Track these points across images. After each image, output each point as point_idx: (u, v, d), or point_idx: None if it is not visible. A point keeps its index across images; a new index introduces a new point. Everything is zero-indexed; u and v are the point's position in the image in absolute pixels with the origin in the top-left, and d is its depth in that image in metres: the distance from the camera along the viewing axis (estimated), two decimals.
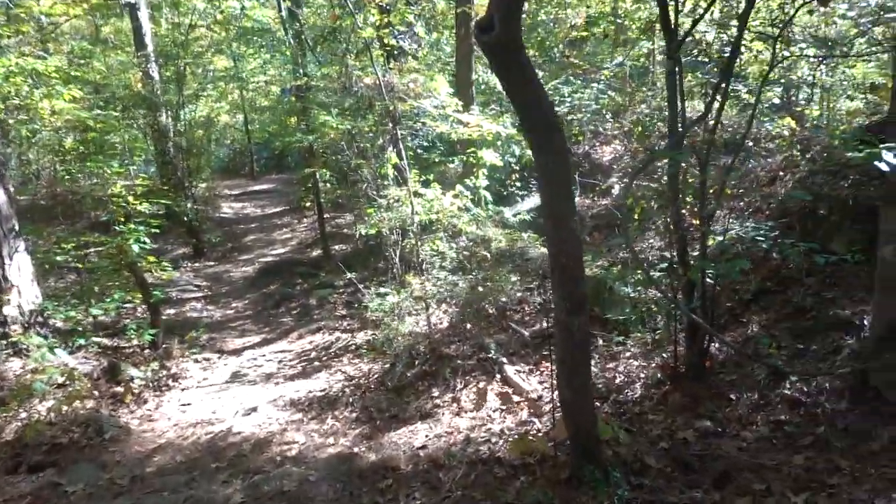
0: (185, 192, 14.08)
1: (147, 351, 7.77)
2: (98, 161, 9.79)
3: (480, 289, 6.76)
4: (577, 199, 10.07)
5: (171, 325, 9.20)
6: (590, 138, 11.65)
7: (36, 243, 9.38)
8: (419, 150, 10.62)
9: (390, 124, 8.73)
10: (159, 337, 7.79)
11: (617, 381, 5.38)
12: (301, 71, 11.62)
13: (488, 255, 7.63)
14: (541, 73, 12.54)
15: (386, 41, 9.07)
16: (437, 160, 10.69)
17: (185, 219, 13.86)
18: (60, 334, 7.33)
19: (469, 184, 8.29)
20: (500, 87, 10.86)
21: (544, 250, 7.81)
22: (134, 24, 14.92)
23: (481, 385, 5.66)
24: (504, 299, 7.11)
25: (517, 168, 10.92)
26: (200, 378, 7.20)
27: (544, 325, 6.64)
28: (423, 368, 6.13)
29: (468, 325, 6.75)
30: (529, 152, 9.65)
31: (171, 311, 10.21)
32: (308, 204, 14.66)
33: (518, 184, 10.89)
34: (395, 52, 10.43)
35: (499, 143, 10.05)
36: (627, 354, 5.74)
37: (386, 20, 8.70)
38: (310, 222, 15.48)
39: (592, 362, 5.69)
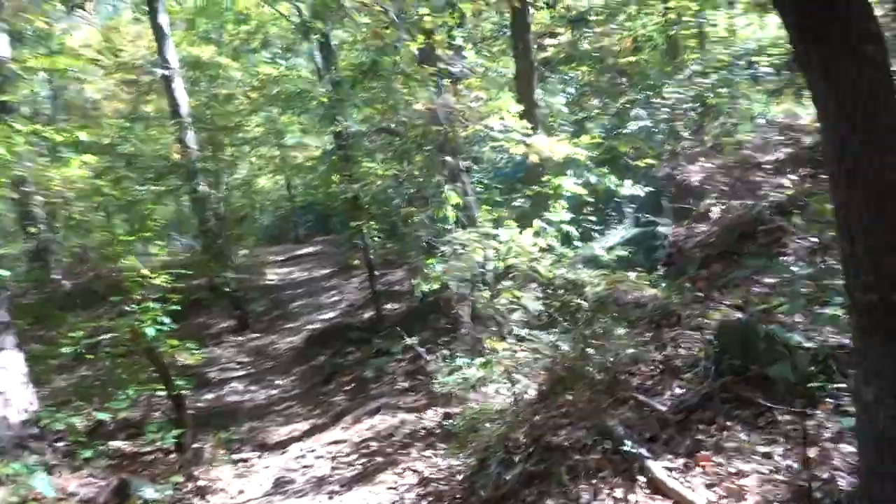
0: (226, 261, 12.67)
1: (173, 455, 6.09)
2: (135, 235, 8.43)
3: (590, 350, 4.90)
4: (668, 228, 8.20)
5: (207, 415, 7.56)
6: (667, 158, 9.83)
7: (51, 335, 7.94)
8: (484, 182, 8.92)
9: (447, 157, 7.08)
10: (186, 437, 6.09)
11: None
12: (340, 119, 10.14)
13: (584, 304, 5.80)
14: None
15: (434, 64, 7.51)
16: (505, 197, 8.96)
17: (227, 290, 12.40)
18: (60, 449, 5.70)
19: (549, 218, 6.53)
20: (564, 108, 9.21)
21: (653, 292, 5.93)
22: (168, 95, 13.84)
23: (619, 493, 3.77)
24: (611, 358, 5.23)
25: (592, 199, 9.12)
26: (235, 491, 5.46)
27: (676, 390, 4.75)
28: (526, 467, 4.26)
29: (569, 397, 4.87)
30: (606, 180, 7.89)
31: (210, 396, 8.59)
32: (356, 262, 13.05)
33: (592, 217, 9.07)
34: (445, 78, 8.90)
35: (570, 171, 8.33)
36: (829, 434, 3.79)
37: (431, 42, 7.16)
38: (359, 282, 13.88)
39: (779, 448, 3.81)
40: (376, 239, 11.35)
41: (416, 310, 10.48)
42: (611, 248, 7.34)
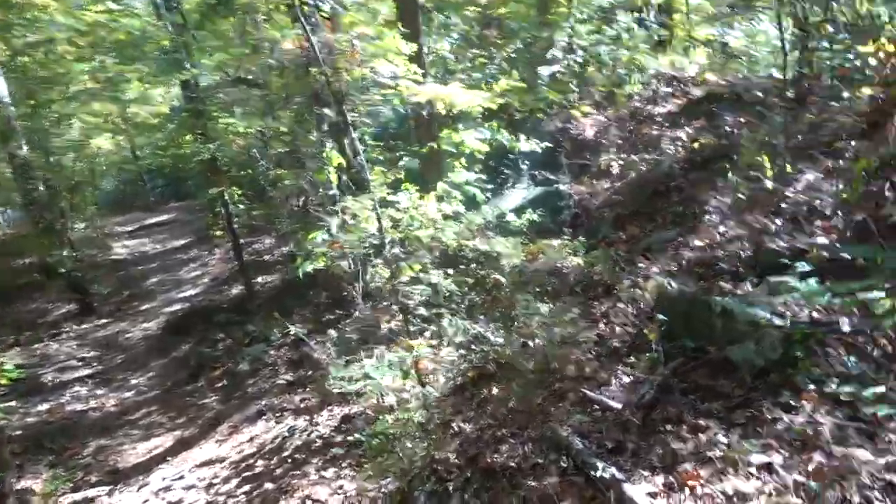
0: (60, 236, 10.59)
1: None
2: None
3: (518, 336, 3.99)
4: (568, 186, 7.49)
5: (39, 435, 5.98)
6: (556, 113, 9.11)
7: None
8: (364, 139, 7.69)
9: (326, 110, 5.84)
10: (5, 481, 4.57)
11: None
12: (187, 64, 8.40)
13: (502, 279, 4.90)
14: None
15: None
16: (388, 155, 7.79)
17: (63, 270, 10.38)
18: None
19: (451, 180, 5.52)
20: (449, 55, 8.12)
21: (575, 260, 5.14)
22: None
23: None
24: (542, 343, 4.37)
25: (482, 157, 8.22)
26: None
27: (623, 378, 4.01)
28: (465, 499, 3.33)
29: (499, 396, 3.97)
30: (499, 135, 6.98)
31: (44, 407, 6.91)
32: (219, 233, 11.42)
33: (484, 176, 8.19)
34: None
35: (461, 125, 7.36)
36: (829, 433, 3.14)
37: None
38: (222, 253, 12.27)
39: (777, 457, 3.13)
40: (240, 206, 9.84)
41: (291, 283, 9.20)
42: (516, 211, 6.48)
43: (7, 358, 8.54)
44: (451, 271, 4.97)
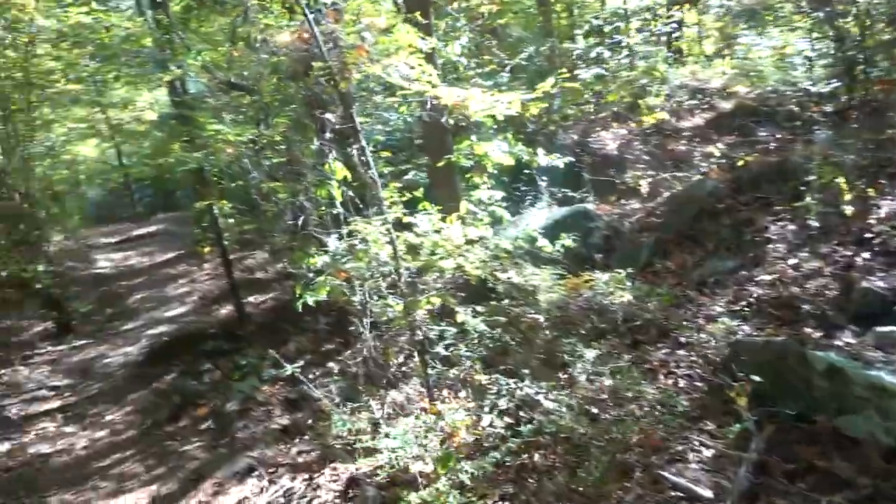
0: (35, 249, 9.64)
1: None
2: None
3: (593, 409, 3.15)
4: (592, 205, 6.69)
5: None
6: (572, 125, 8.34)
7: None
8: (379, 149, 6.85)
9: (327, 115, 5.00)
10: None
11: None
12: (171, 67, 7.53)
13: (540, 319, 4.07)
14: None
15: None
16: (391, 168, 6.93)
17: (38, 286, 9.42)
18: None
19: (477, 198, 4.69)
20: (463, 60, 7.30)
21: (625, 296, 4.30)
22: None
23: None
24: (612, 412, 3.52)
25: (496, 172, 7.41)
26: None
27: (703, 451, 3.19)
28: None
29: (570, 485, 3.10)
30: (517, 148, 6.17)
31: (4, 447, 5.98)
32: (207, 249, 10.51)
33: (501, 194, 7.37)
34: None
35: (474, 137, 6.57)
36: None
37: None
38: (212, 267, 11.36)
39: None
40: (230, 220, 8.96)
41: (287, 305, 8.31)
42: (543, 234, 5.65)
43: None
44: (479, 308, 4.14)
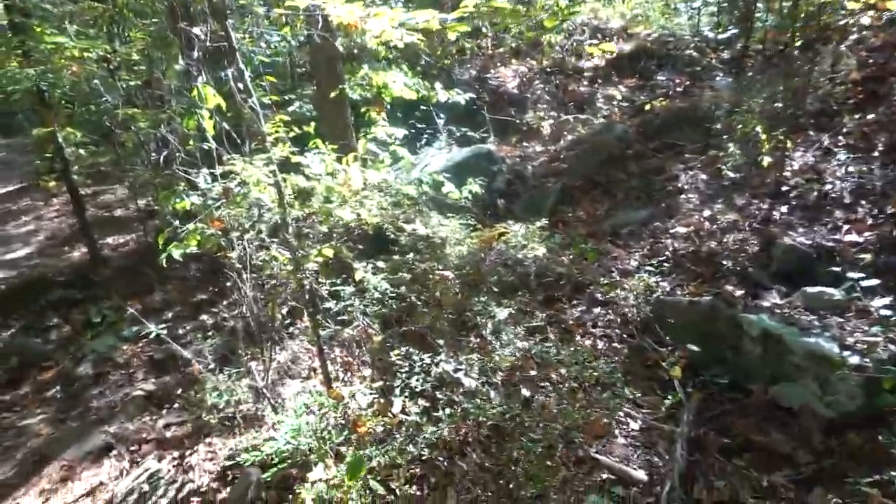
0: None
1: None
2: None
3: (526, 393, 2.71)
4: (493, 146, 6.23)
5: None
6: (469, 60, 7.75)
7: None
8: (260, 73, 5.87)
9: (197, 29, 4.11)
10: None
11: None
12: None
13: (450, 276, 3.57)
14: None
15: None
16: (272, 97, 6.01)
17: None
18: None
19: (372, 135, 4.04)
20: None
21: (538, 249, 3.89)
22: None
23: None
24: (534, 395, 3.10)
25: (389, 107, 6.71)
26: None
27: (631, 423, 2.90)
28: None
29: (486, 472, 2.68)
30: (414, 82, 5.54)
31: None
32: (52, 183, 9.07)
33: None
34: None
35: (366, 66, 5.87)
36: None
37: None
38: (62, 203, 9.87)
39: None
40: (80, 151, 7.67)
41: (151, 248, 7.30)
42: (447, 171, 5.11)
43: None
44: (380, 263, 3.57)
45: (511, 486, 2.24)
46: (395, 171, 4.21)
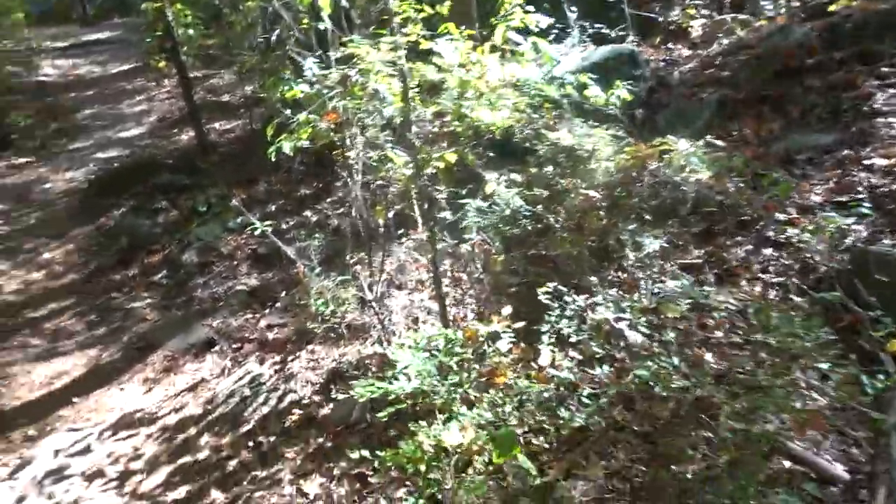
0: None
1: None
2: None
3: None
4: (633, 46, 5.37)
5: None
6: None
7: None
8: None
9: None
10: None
11: None
12: None
13: (595, 196, 2.98)
14: None
15: None
16: None
17: None
18: None
19: (509, 22, 3.37)
20: None
21: (700, 174, 3.20)
22: None
23: None
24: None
25: None
26: None
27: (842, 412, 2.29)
28: None
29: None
30: None
31: None
32: (163, 63, 8.88)
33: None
34: None
35: None
36: None
37: None
38: (173, 85, 9.76)
39: None
40: (190, 31, 7.34)
41: (257, 135, 7.04)
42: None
43: None
44: (514, 176, 3.03)
45: (680, 476, 1.76)
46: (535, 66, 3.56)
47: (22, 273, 5.15)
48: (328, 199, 5.39)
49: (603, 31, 5.63)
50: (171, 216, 5.52)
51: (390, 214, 4.82)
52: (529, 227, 2.93)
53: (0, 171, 7.48)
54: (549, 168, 3.05)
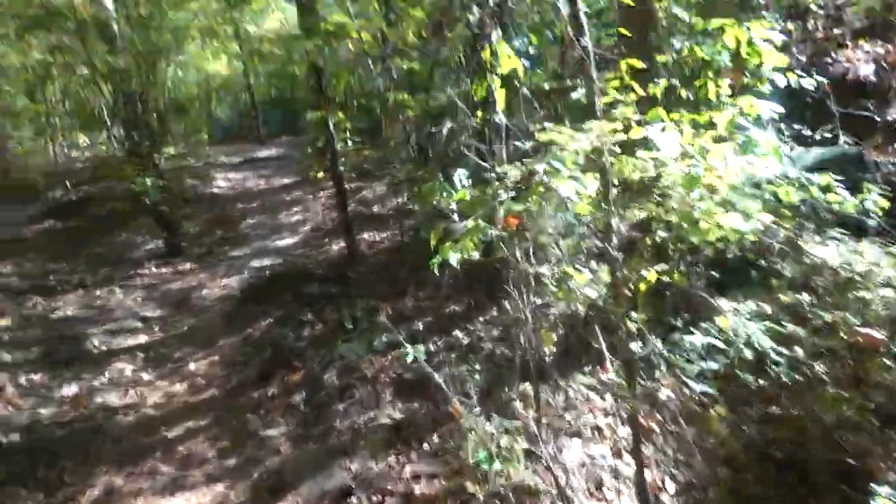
0: (146, 162, 8.51)
1: None
2: None
3: None
4: (862, 150, 4.41)
5: (39, 448, 3.86)
6: (801, 40, 5.91)
7: None
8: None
9: None
10: None
11: None
12: None
13: (879, 336, 2.08)
14: None
15: None
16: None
17: (147, 202, 8.35)
18: None
19: (738, 109, 2.65)
20: None
21: None
22: None
23: None
24: None
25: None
26: None
27: None
28: None
29: None
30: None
31: (71, 391, 4.81)
32: (321, 174, 9.06)
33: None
34: None
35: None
36: None
37: None
38: (328, 196, 9.96)
39: None
40: (348, 143, 7.36)
41: (407, 248, 6.71)
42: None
43: (63, 305, 6.67)
44: (749, 304, 2.19)
45: None
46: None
47: (166, 384, 4.90)
48: (480, 319, 4.76)
49: (803, 131, 4.75)
50: (317, 330, 5.12)
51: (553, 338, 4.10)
52: (776, 377, 2.04)
53: (168, 276, 7.68)
54: (804, 296, 2.19)
